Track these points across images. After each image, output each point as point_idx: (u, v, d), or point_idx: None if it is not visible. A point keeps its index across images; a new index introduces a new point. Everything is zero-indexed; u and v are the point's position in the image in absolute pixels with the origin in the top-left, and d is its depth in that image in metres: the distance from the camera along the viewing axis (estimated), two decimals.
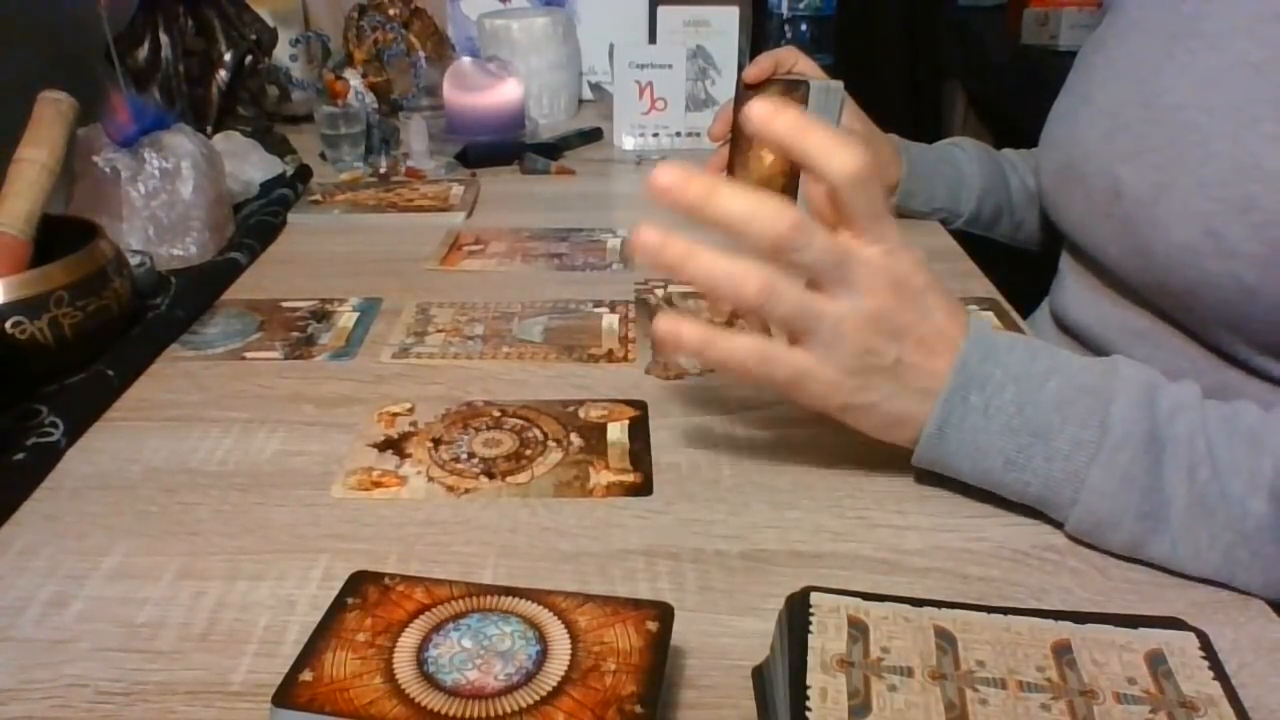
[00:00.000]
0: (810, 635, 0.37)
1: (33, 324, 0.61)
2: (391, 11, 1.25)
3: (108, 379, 0.62)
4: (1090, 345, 0.71)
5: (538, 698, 0.35)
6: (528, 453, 0.56)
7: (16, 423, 0.57)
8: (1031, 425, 0.47)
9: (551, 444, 0.57)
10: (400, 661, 0.36)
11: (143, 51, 1.04)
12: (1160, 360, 0.57)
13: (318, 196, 1.00)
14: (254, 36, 1.08)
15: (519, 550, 0.49)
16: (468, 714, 0.34)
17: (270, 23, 1.12)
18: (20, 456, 0.54)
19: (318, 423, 0.59)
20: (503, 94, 1.16)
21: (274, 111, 1.22)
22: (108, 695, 0.40)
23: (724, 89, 1.21)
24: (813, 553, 0.48)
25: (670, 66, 1.15)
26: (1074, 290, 0.73)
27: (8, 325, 0.60)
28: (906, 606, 0.39)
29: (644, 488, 0.53)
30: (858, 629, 0.37)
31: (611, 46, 1.26)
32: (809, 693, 0.34)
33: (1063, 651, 0.37)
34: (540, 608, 0.39)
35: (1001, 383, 0.47)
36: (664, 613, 0.39)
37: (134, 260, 0.73)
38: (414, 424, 0.59)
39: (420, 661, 0.36)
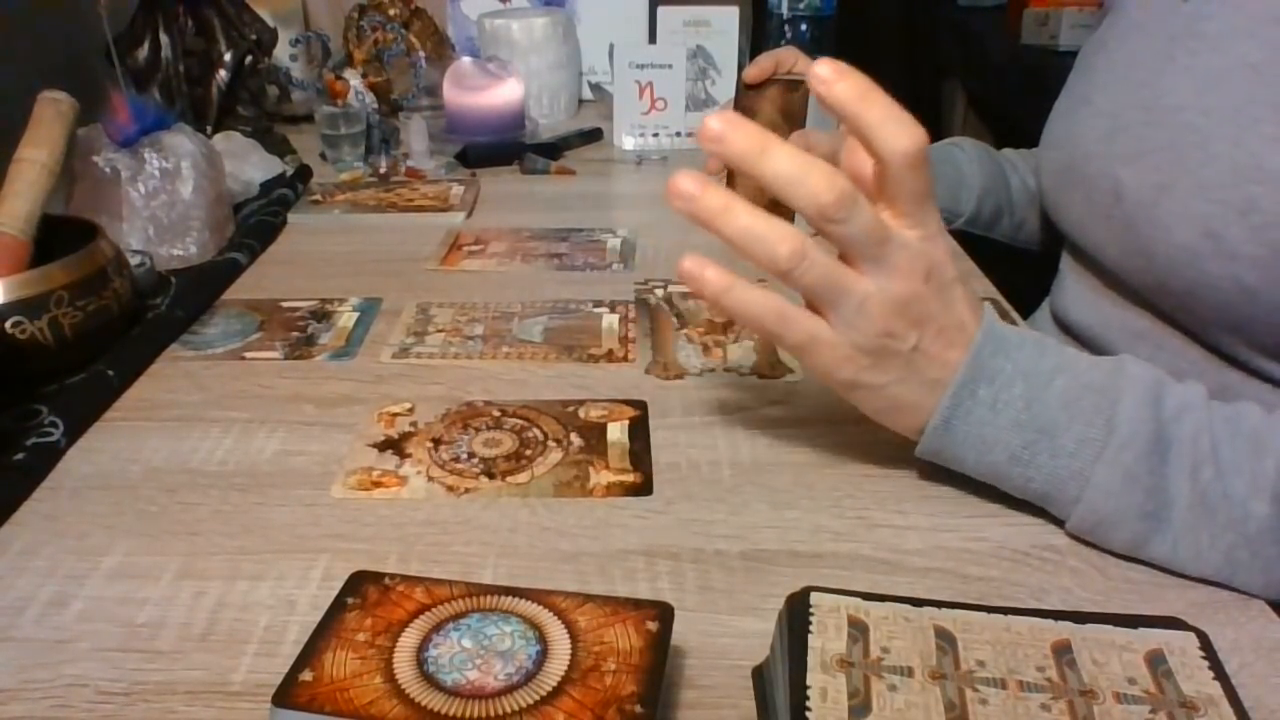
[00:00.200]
0: (810, 635, 0.37)
1: (33, 324, 0.61)
2: (391, 11, 1.25)
3: (108, 379, 0.62)
4: (1090, 345, 0.70)
5: (538, 698, 0.35)
6: (528, 453, 0.56)
7: (16, 423, 0.57)
8: (1038, 422, 0.47)
9: (551, 444, 0.57)
10: (400, 661, 0.36)
11: (143, 51, 1.04)
12: (1160, 361, 0.57)
13: (318, 196, 1.00)
14: (254, 36, 1.08)
15: (519, 550, 0.49)
16: (468, 714, 0.34)
17: (270, 23, 1.12)
18: (20, 456, 0.54)
19: (318, 423, 0.59)
20: (503, 94, 1.16)
21: (274, 111, 1.22)
22: (108, 695, 0.40)
23: (724, 89, 1.21)
24: (812, 553, 0.48)
25: (670, 66, 1.15)
26: (1074, 290, 0.73)
27: (8, 325, 0.60)
28: (906, 606, 0.39)
29: (644, 488, 0.53)
30: (858, 629, 0.37)
31: (611, 46, 1.26)
32: (809, 693, 0.34)
33: (1063, 651, 0.37)
34: (540, 608, 0.39)
35: (1010, 378, 0.47)
36: (664, 613, 0.39)
37: (134, 260, 0.73)
38: (414, 424, 0.59)
39: (420, 661, 0.36)
